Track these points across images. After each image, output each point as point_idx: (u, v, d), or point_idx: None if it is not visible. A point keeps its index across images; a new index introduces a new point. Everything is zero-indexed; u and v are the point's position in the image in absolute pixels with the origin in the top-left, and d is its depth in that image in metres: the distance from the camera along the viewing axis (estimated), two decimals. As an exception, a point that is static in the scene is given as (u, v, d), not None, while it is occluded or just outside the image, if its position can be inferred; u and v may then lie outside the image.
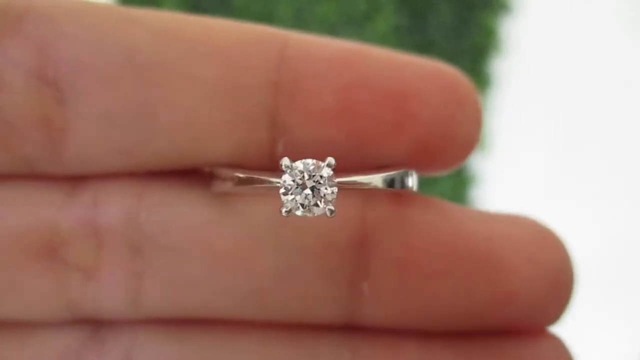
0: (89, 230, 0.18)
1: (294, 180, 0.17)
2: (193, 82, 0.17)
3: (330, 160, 0.17)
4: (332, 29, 0.77)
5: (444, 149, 0.18)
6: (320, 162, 0.17)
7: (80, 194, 0.18)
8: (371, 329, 0.19)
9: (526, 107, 0.76)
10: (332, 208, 0.17)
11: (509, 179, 0.73)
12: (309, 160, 0.17)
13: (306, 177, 0.17)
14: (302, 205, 0.17)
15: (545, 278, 0.18)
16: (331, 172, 0.17)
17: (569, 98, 0.76)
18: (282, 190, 0.17)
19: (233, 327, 0.19)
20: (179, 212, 0.18)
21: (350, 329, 0.19)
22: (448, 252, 0.18)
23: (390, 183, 0.17)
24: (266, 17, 0.77)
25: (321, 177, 0.17)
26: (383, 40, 0.75)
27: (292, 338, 0.19)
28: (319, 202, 0.17)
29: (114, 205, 0.18)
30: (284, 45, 0.18)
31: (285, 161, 0.17)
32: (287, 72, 0.18)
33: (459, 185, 0.75)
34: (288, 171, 0.17)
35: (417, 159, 0.18)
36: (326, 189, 0.17)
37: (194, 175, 0.19)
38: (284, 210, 0.17)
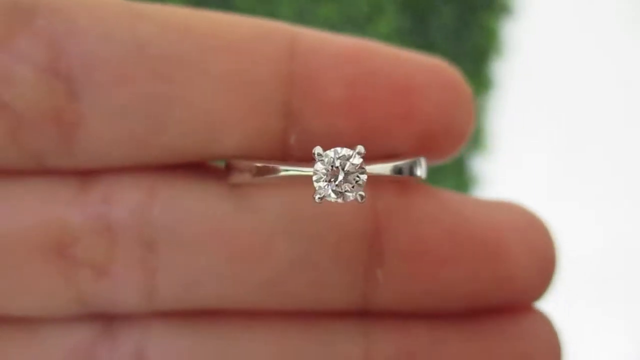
0: (101, 226, 0.18)
1: (326, 168, 0.17)
2: (205, 76, 0.18)
3: (361, 148, 0.17)
4: (333, 31, 0.77)
5: (443, 140, 0.19)
6: (351, 150, 0.17)
7: (91, 189, 0.18)
8: (383, 314, 0.20)
9: (528, 109, 0.76)
10: (363, 194, 0.17)
11: (511, 180, 0.73)
12: (341, 149, 0.17)
13: (337, 164, 0.17)
14: (334, 191, 0.17)
15: (537, 259, 0.20)
16: (361, 160, 0.17)
17: (570, 99, 0.76)
18: (314, 178, 0.17)
19: (248, 318, 0.20)
20: (191, 205, 0.18)
21: (363, 314, 0.20)
22: (453, 239, 0.19)
23: (399, 171, 0.18)
24: (268, 18, 0.77)
25: (352, 164, 0.17)
26: (385, 42, 0.75)
27: (307, 326, 0.20)
28: (349, 189, 0.17)
29: (125, 200, 0.18)
30: (294, 39, 0.18)
31: (318, 149, 0.17)
32: (299, 65, 0.18)
33: (461, 186, 0.75)
34: (320, 159, 0.17)
35: (421, 149, 0.19)
36: (357, 176, 0.17)
37: (205, 168, 0.19)
38: (317, 197, 0.17)
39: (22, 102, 0.17)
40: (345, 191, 0.17)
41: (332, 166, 0.17)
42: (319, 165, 0.17)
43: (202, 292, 0.19)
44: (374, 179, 0.18)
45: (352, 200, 0.17)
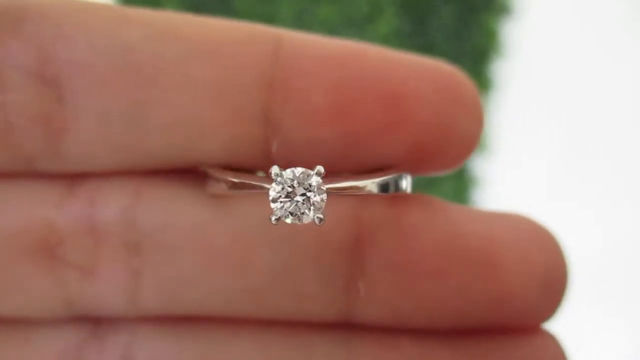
0: (87, 228, 0.18)
1: (282, 189, 0.17)
2: (188, 82, 0.18)
3: (320, 168, 0.17)
4: (333, 32, 0.77)
5: (443, 148, 0.18)
6: (309, 171, 0.17)
7: (77, 192, 0.19)
8: (367, 327, 0.19)
9: (528, 109, 0.76)
10: (321, 216, 0.17)
11: (511, 180, 0.73)
12: (299, 169, 0.17)
13: (296, 185, 0.17)
14: (291, 213, 0.17)
15: (539, 277, 0.18)
16: (320, 180, 0.17)
17: (570, 99, 0.76)
18: (271, 198, 0.17)
19: (230, 325, 0.20)
20: (175, 210, 0.18)
21: (346, 326, 0.19)
22: (443, 251, 0.18)
23: (384, 188, 0.17)
24: (267, 19, 0.77)
25: (310, 185, 0.17)
26: (384, 42, 0.75)
27: (288, 335, 0.19)
28: (307, 210, 0.17)
29: (111, 204, 0.18)
30: (278, 43, 0.18)
31: (275, 169, 0.17)
32: (281, 71, 0.18)
33: (460, 187, 0.75)
34: (277, 179, 0.17)
35: (415, 160, 0.18)
36: (315, 197, 0.17)
37: (190, 174, 0.19)
38: (273, 218, 0.17)
39: (11, 107, 0.17)
40: (302, 213, 0.17)
41: (289, 186, 0.17)
42: (274, 186, 0.17)
43: (185, 297, 0.19)
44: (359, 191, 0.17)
45: (310, 222, 0.17)
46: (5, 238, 0.18)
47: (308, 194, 0.17)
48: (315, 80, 0.17)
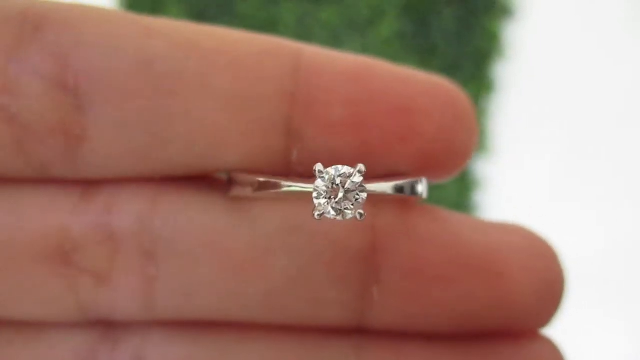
0: (102, 234, 0.18)
1: (326, 186, 0.17)
2: (209, 92, 0.18)
3: (361, 167, 0.17)
4: (335, 35, 0.77)
5: (445, 159, 0.19)
6: (351, 169, 0.17)
7: (93, 199, 0.19)
8: (378, 332, 0.20)
9: (530, 111, 0.76)
10: (362, 212, 0.17)
11: (513, 182, 0.73)
12: (342, 167, 0.17)
13: (338, 182, 0.17)
14: (333, 209, 0.17)
15: (539, 284, 0.19)
16: (362, 178, 0.17)
17: (573, 101, 0.76)
18: (315, 195, 0.17)
19: (243, 330, 0.20)
20: (192, 217, 0.19)
21: (357, 331, 0.20)
22: (450, 260, 0.19)
23: (400, 191, 0.18)
24: (270, 23, 0.77)
25: (353, 182, 0.17)
26: (386, 45, 0.75)
27: (301, 340, 0.20)
28: (349, 207, 0.17)
29: (127, 210, 0.19)
30: (298, 56, 0.18)
31: (319, 167, 0.17)
32: (302, 83, 0.18)
33: (463, 190, 0.75)
34: (321, 176, 0.17)
35: (420, 169, 0.19)
36: (357, 194, 0.17)
37: (207, 180, 0.19)
38: (316, 213, 0.17)
39: (29, 113, 0.17)
40: (345, 209, 0.17)
41: (332, 184, 0.17)
42: (319, 183, 0.17)
43: (199, 303, 0.19)
44: (374, 197, 0.18)
45: (351, 218, 0.17)
46: (21, 244, 0.18)
47: (350, 191, 0.17)
48: (335, 93, 0.18)
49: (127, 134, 0.18)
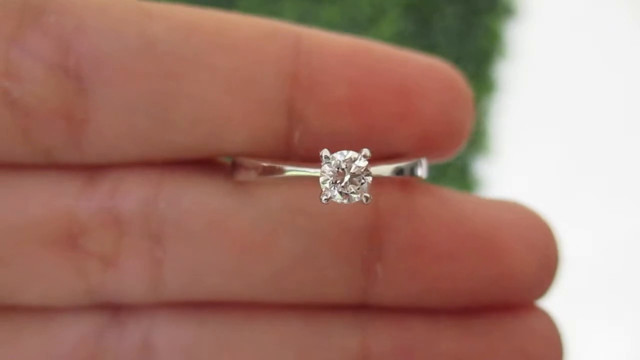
0: (109, 218, 0.19)
1: (332, 170, 0.18)
2: (211, 73, 0.18)
3: (366, 151, 0.18)
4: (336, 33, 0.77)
5: (444, 139, 0.19)
6: (356, 153, 0.18)
7: (99, 183, 0.19)
8: (382, 308, 0.20)
9: (531, 111, 0.76)
10: (368, 195, 0.18)
11: (514, 182, 0.73)
12: (347, 152, 0.18)
13: (344, 166, 0.17)
14: (339, 193, 0.18)
15: (537, 257, 0.20)
16: (367, 163, 0.18)
17: (575, 101, 0.75)
18: (322, 179, 0.18)
19: (249, 310, 0.20)
20: (196, 199, 0.19)
21: (362, 308, 0.20)
22: (452, 237, 0.19)
23: (400, 173, 0.18)
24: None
25: (358, 167, 0.18)
26: (388, 44, 0.75)
27: (307, 318, 0.20)
28: (354, 190, 0.18)
29: (133, 194, 0.19)
30: (298, 38, 0.19)
31: (326, 152, 0.18)
32: (303, 65, 0.18)
33: (464, 189, 0.75)
34: (327, 161, 0.17)
35: (421, 149, 0.19)
36: (363, 178, 0.18)
37: (211, 164, 0.20)
38: (323, 197, 0.18)
39: (32, 98, 0.17)
40: (351, 192, 0.18)
41: (338, 168, 0.18)
42: (326, 167, 0.18)
43: (206, 284, 0.19)
44: (376, 178, 0.18)
45: (357, 202, 0.18)
46: (28, 228, 0.18)
47: (355, 175, 0.18)
48: (336, 75, 0.18)
49: (130, 117, 0.18)
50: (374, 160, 0.18)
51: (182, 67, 0.18)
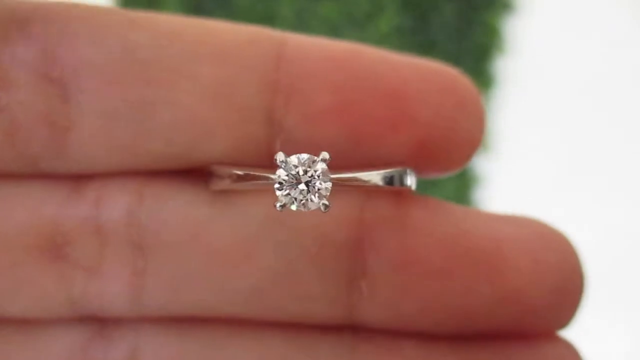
0: (92, 228, 0.19)
1: (288, 175, 0.17)
2: (192, 82, 0.18)
3: (325, 154, 0.17)
4: (334, 30, 0.77)
5: (445, 150, 0.18)
6: (314, 157, 0.17)
7: (83, 192, 0.19)
8: (371, 330, 0.19)
9: (530, 107, 0.75)
10: (327, 203, 0.17)
11: (513, 179, 0.73)
12: (304, 155, 0.17)
13: (301, 172, 0.17)
14: (296, 199, 0.17)
15: (552, 279, 0.18)
16: (325, 167, 0.17)
17: (574, 97, 0.75)
18: (276, 185, 0.17)
19: (233, 326, 0.20)
20: (178, 209, 0.19)
21: (350, 329, 0.19)
22: (446, 251, 0.18)
23: (389, 181, 0.17)
24: (268, 17, 0.77)
25: (315, 171, 0.17)
26: (385, 40, 0.75)
27: (292, 337, 0.19)
28: (313, 197, 0.17)
29: (115, 204, 0.19)
30: (282, 45, 0.18)
31: (280, 156, 0.17)
32: (285, 72, 0.18)
33: (462, 187, 0.74)
34: (283, 166, 0.17)
35: (418, 160, 0.18)
36: (320, 183, 0.17)
37: (193, 174, 0.19)
38: (278, 204, 0.17)
39: (17, 106, 0.18)
40: (308, 200, 0.17)
41: (293, 173, 0.17)
42: (281, 172, 0.17)
43: (188, 297, 0.19)
44: (365, 188, 0.17)
45: (315, 210, 0.17)
46: (11, 238, 0.18)
47: (313, 180, 0.17)
48: (318, 81, 0.18)
49: (113, 124, 0.18)
50: (363, 167, 0.17)
51: (163, 74, 0.18)
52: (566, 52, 0.77)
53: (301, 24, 0.77)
